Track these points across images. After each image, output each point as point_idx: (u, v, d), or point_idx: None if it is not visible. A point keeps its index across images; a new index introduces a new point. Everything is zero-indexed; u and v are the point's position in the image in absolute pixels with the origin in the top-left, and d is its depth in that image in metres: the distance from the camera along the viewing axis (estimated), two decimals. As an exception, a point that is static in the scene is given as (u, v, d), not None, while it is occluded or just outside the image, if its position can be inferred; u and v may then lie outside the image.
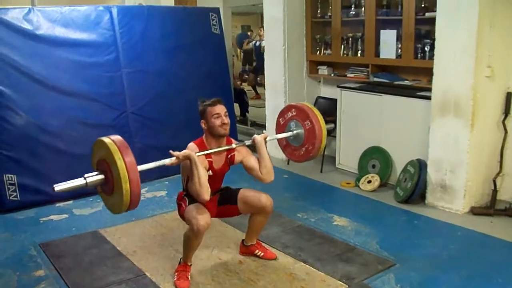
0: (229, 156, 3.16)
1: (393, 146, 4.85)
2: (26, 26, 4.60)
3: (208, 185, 2.87)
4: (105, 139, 2.48)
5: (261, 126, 6.95)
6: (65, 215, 4.37)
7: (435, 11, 4.15)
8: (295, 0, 5.65)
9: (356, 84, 5.25)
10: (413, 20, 4.56)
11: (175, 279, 3.12)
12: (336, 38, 5.44)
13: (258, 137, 3.16)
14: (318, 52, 5.80)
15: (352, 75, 5.40)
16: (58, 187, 2.42)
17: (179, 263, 3.20)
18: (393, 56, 4.87)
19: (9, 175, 4.41)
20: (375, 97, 4.95)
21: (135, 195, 2.42)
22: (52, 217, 4.33)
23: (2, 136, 4.42)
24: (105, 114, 4.99)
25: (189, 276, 3.13)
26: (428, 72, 4.36)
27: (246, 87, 10.50)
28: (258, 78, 10.70)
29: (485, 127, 4.16)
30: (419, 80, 4.82)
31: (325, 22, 5.63)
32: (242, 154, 3.19)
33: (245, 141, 3.20)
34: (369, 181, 4.85)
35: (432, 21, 4.21)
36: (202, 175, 2.83)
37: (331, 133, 5.06)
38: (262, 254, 3.43)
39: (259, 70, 9.91)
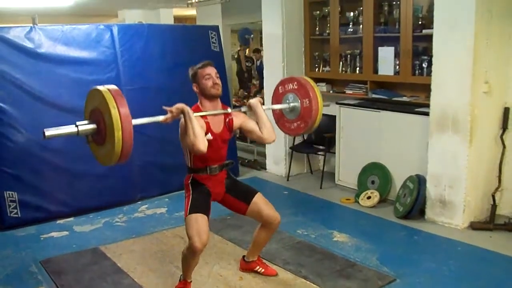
0: (227, 120, 3.08)
1: (392, 162, 4.86)
2: (28, 44, 4.64)
3: (204, 136, 2.81)
4: (100, 87, 2.44)
5: (261, 145, 6.92)
6: (65, 232, 4.38)
7: (432, 28, 4.20)
8: (293, 17, 5.71)
9: (355, 101, 5.27)
10: (411, 37, 4.61)
11: (176, 295, 3.12)
12: (335, 55, 5.50)
13: (252, 100, 3.14)
14: (316, 69, 5.85)
15: (350, 92, 5.44)
16: (48, 132, 2.43)
17: (180, 280, 3.19)
18: (391, 73, 4.91)
19: (10, 192, 4.42)
20: (374, 113, 4.98)
21: (127, 145, 2.37)
22: (52, 234, 4.34)
23: (3, 153, 4.44)
24: (105, 131, 4.99)
25: (189, 293, 3.12)
26: (426, 88, 4.40)
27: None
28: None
29: (483, 142, 4.19)
30: (417, 96, 4.86)
31: (324, 40, 5.69)
32: (239, 118, 3.14)
33: (241, 108, 3.21)
34: (369, 197, 4.87)
35: (429, 38, 4.26)
36: (197, 126, 2.76)
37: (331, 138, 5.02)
38: (263, 270, 3.42)
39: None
